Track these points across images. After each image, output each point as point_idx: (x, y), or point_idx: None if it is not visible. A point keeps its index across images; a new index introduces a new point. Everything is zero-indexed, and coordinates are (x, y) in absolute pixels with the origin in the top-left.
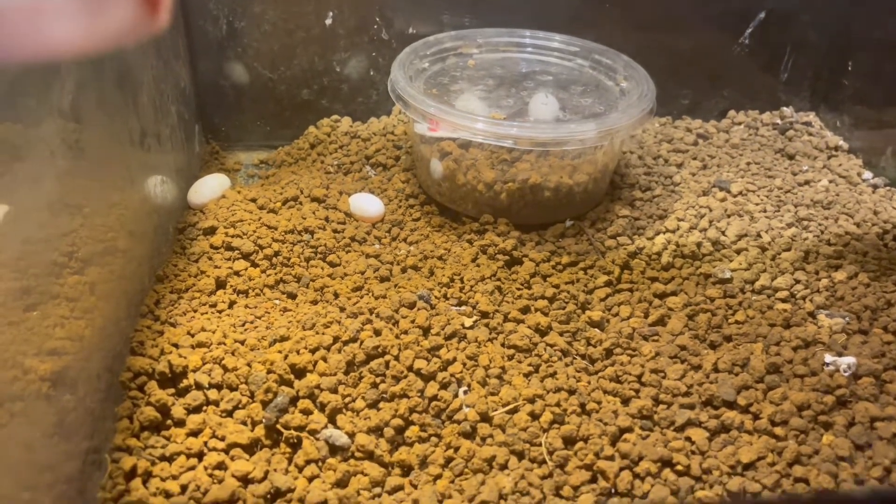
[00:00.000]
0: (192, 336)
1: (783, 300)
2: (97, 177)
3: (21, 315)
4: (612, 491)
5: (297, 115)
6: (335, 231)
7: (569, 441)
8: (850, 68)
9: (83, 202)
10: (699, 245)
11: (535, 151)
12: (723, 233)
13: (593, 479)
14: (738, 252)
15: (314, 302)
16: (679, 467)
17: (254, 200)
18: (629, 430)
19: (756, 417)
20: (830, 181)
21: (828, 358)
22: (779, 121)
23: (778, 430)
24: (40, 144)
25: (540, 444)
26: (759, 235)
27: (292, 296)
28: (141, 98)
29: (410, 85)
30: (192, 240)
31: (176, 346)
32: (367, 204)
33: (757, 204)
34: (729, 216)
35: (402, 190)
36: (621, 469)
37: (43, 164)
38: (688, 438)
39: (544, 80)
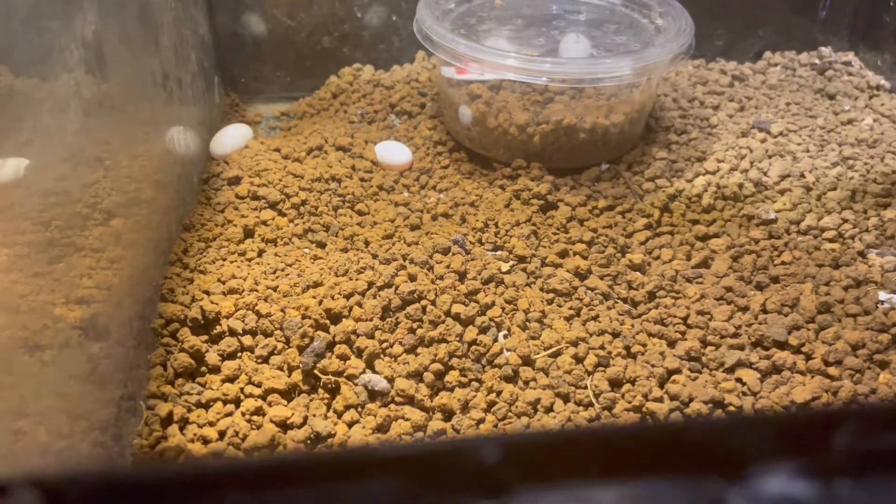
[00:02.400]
0: (223, 283)
1: (831, 240)
2: (120, 119)
3: (46, 267)
4: None
5: (317, 64)
6: (362, 180)
7: (615, 383)
8: (892, 3)
9: (105, 153)
10: (741, 186)
11: (568, 92)
12: (765, 173)
13: (643, 421)
14: (782, 192)
15: (344, 250)
16: (731, 408)
17: (278, 150)
18: (677, 371)
19: (809, 357)
20: (874, 120)
21: (882, 296)
22: (817, 61)
23: (832, 370)
24: (64, 76)
25: (585, 387)
26: (802, 175)
27: (322, 245)
28: (162, 39)
29: (438, 24)
30: (217, 190)
31: (207, 293)
32: (394, 152)
33: (799, 144)
34: (770, 157)
35: (429, 137)
36: (671, 410)
37: (67, 111)
38: (738, 379)
39: (575, 19)
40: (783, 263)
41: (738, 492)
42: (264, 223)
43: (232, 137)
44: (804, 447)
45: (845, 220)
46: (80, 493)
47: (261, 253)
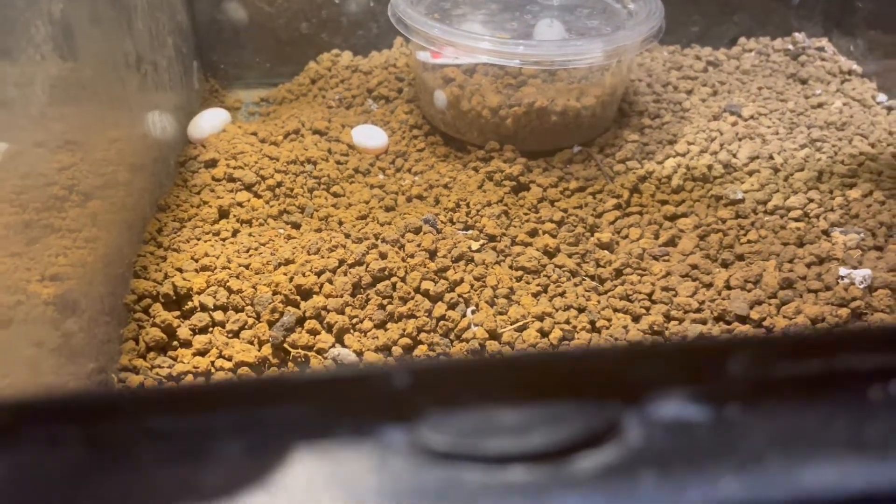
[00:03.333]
0: (196, 261)
1: (796, 219)
2: (94, 103)
3: (23, 247)
4: None
5: (296, 50)
6: (338, 163)
7: None
8: None
9: (81, 137)
10: (710, 168)
11: (540, 76)
12: (734, 155)
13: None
14: (750, 174)
15: (318, 230)
16: None
17: (255, 134)
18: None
19: (769, 331)
20: (844, 104)
21: (842, 271)
22: (791, 47)
23: None
24: (30, 52)
25: None
26: (771, 157)
27: (296, 226)
28: (135, 22)
29: (412, 8)
30: (194, 172)
31: (180, 270)
32: (370, 135)
33: (769, 127)
34: (740, 139)
35: (405, 121)
36: None
37: (38, 93)
38: None
39: (548, 3)
40: (749, 242)
41: (634, 414)
42: (239, 204)
43: (209, 121)
44: (698, 374)
45: (811, 200)
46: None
47: (235, 233)
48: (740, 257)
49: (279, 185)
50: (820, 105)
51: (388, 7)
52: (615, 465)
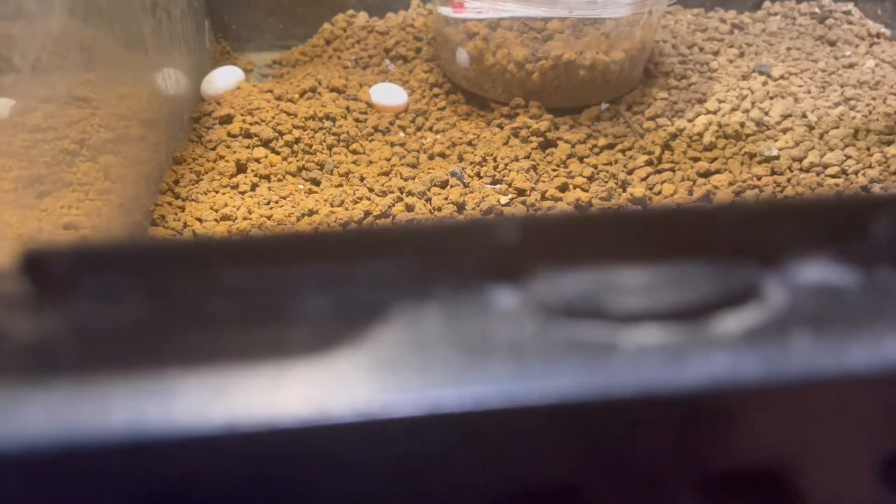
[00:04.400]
0: (216, 211)
1: (834, 176)
2: (109, 39)
3: (33, 201)
4: None
5: (310, 11)
6: (357, 120)
7: None
8: None
9: (91, 92)
10: (742, 125)
11: (567, 29)
12: (766, 113)
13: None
14: (784, 131)
15: (339, 185)
16: None
17: (270, 91)
18: None
19: None
20: (876, 65)
21: None
22: (817, 10)
23: None
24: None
25: None
26: (804, 115)
27: (316, 182)
28: None
29: None
30: (209, 128)
31: (199, 219)
32: (389, 94)
33: (800, 86)
34: (772, 98)
35: (424, 80)
36: None
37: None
38: None
39: None
40: (786, 198)
41: (775, 277)
42: (257, 160)
43: (224, 78)
44: (842, 234)
45: (848, 157)
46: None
47: (254, 187)
48: None
49: (297, 140)
50: (851, 65)
51: None
52: (762, 326)
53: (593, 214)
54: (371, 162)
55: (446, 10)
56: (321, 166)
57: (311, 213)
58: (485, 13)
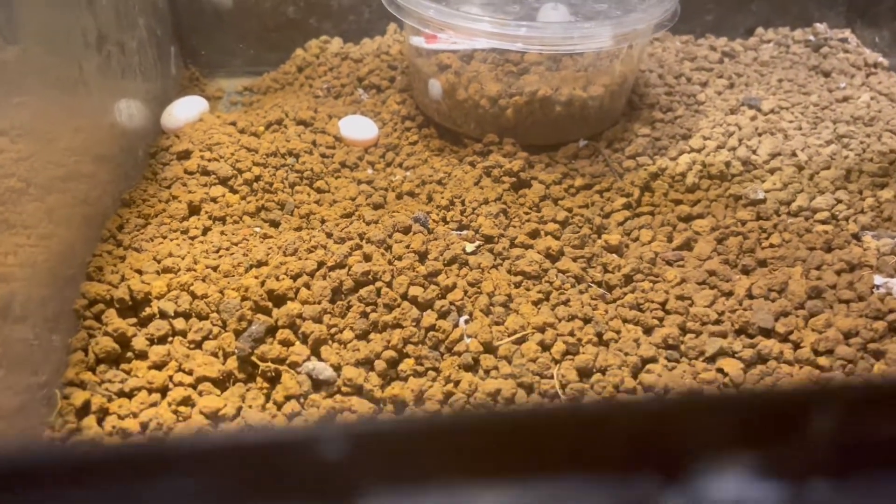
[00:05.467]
0: (158, 262)
1: (823, 222)
2: (50, 86)
3: None
4: None
5: (283, 36)
6: (323, 156)
7: (584, 373)
8: None
9: (38, 125)
10: (728, 164)
11: (544, 62)
12: (754, 151)
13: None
14: (772, 171)
15: (298, 229)
16: None
17: (234, 124)
18: (653, 360)
19: (797, 346)
20: (871, 98)
21: (878, 280)
22: (812, 37)
23: (822, 360)
24: None
25: (551, 377)
26: (794, 154)
27: (275, 224)
28: None
29: None
30: (165, 164)
31: (139, 272)
32: (358, 127)
33: (791, 121)
34: (760, 134)
35: (397, 112)
36: None
37: None
38: (720, 370)
39: None
40: (771, 246)
41: (677, 493)
42: (213, 200)
43: (185, 110)
44: (766, 437)
45: (839, 201)
46: None
47: (206, 231)
48: (762, 263)
49: (257, 179)
50: (845, 99)
51: None
52: None
53: (443, 420)
54: (335, 201)
55: (419, 41)
56: (282, 206)
57: (261, 264)
58: (458, 44)
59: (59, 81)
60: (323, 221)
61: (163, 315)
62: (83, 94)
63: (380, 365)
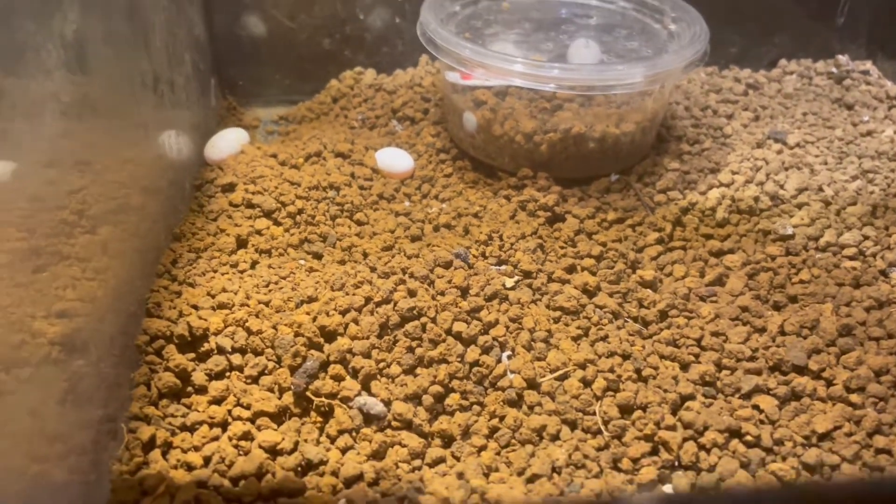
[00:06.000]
0: (213, 297)
1: (851, 258)
2: (107, 123)
3: (29, 276)
4: (676, 463)
5: (318, 67)
6: (362, 188)
7: (625, 409)
8: None
9: (92, 157)
10: (756, 199)
11: (577, 99)
12: (781, 186)
13: (654, 451)
14: (799, 207)
15: (341, 262)
16: (748, 438)
17: (274, 156)
18: (691, 397)
19: (829, 384)
20: (895, 132)
21: None
22: (834, 69)
23: (854, 398)
24: (41, 77)
25: (594, 413)
26: (821, 189)
27: (318, 256)
28: (153, 40)
29: (443, 27)
30: (210, 197)
31: (195, 307)
32: (395, 159)
33: (816, 156)
34: (787, 169)
35: (431, 144)
36: (685, 440)
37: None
38: (755, 406)
39: (585, 23)
40: (801, 282)
41: None
42: (258, 233)
43: (227, 142)
44: None
45: (866, 237)
46: None
47: (254, 264)
48: (793, 299)
49: (300, 211)
50: (869, 133)
51: (416, 25)
52: None
53: None
54: (374, 234)
55: (454, 77)
56: (324, 238)
57: (311, 299)
58: (492, 81)
59: (119, 121)
60: (365, 255)
61: (220, 351)
62: (140, 132)
63: (427, 399)
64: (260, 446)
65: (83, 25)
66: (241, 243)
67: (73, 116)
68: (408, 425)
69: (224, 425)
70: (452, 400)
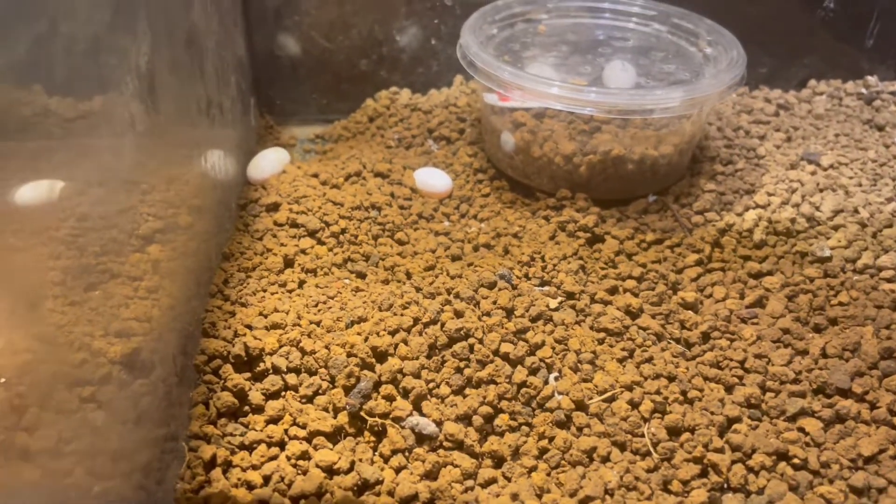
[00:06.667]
0: (265, 317)
1: (889, 280)
2: (165, 148)
3: (82, 295)
4: (725, 486)
5: (354, 87)
6: (402, 207)
7: (674, 432)
8: None
9: (147, 177)
10: (793, 221)
11: (616, 121)
12: (817, 208)
13: (703, 473)
14: (836, 229)
15: (385, 282)
16: (796, 460)
17: (316, 175)
18: (737, 419)
19: (873, 406)
20: None
21: None
22: (863, 90)
23: None
24: (119, 111)
25: (642, 435)
26: (856, 211)
27: (362, 275)
28: (206, 65)
29: (483, 50)
30: (255, 216)
31: (249, 327)
32: (433, 179)
33: (851, 177)
34: (822, 190)
35: (469, 164)
36: (733, 462)
37: (119, 136)
38: (801, 429)
39: (621, 45)
40: (840, 304)
41: None
42: (303, 252)
43: (270, 161)
44: None
45: None
46: None
47: (301, 284)
48: (833, 321)
49: (343, 231)
50: None
51: (455, 48)
52: None
53: None
54: (416, 253)
55: (492, 98)
56: (367, 258)
57: (361, 319)
58: (529, 103)
59: (178, 146)
60: (409, 275)
61: (276, 370)
62: (193, 155)
63: (477, 420)
64: (318, 465)
65: (153, 57)
66: (288, 263)
67: (144, 144)
68: (459, 445)
69: (282, 444)
70: (501, 420)
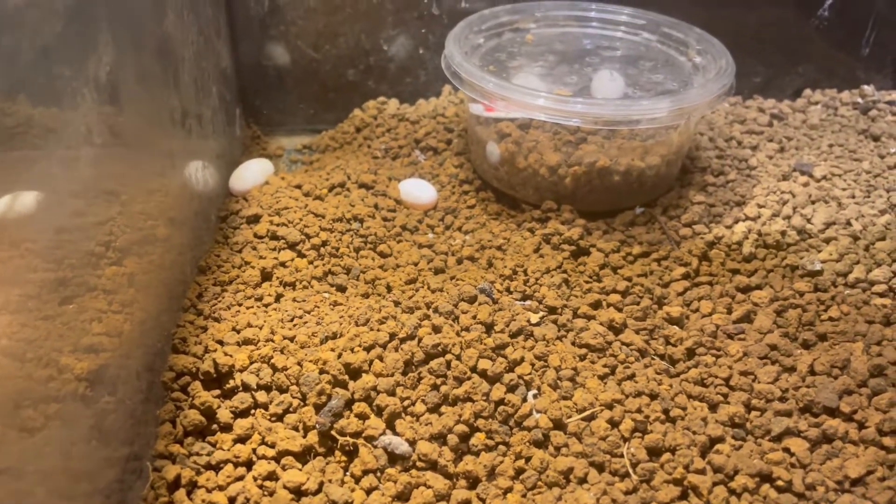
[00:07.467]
0: (238, 332)
1: (881, 294)
2: (136, 159)
3: (56, 308)
4: None
5: (341, 96)
6: (385, 219)
7: (654, 452)
8: None
9: (120, 188)
10: (783, 234)
11: (601, 132)
12: (808, 220)
13: (684, 495)
14: (827, 241)
15: (365, 295)
16: (780, 482)
17: (299, 187)
18: (720, 439)
19: (861, 426)
20: None
21: None
22: (859, 100)
23: (887, 441)
24: (76, 122)
25: (622, 455)
26: (848, 223)
27: (342, 288)
28: (182, 75)
29: (467, 60)
30: (235, 228)
31: (221, 342)
32: (418, 190)
33: (844, 189)
34: (814, 202)
35: (455, 175)
36: (715, 484)
37: (78, 146)
38: (786, 449)
39: (609, 55)
40: (831, 319)
41: None
42: (283, 265)
43: (252, 173)
44: None
45: None
46: None
47: (278, 297)
48: (822, 337)
49: (324, 244)
50: None
51: (440, 57)
52: None
53: None
54: (398, 266)
55: (477, 109)
56: (347, 271)
57: (336, 335)
58: (515, 113)
59: (150, 156)
60: (389, 288)
61: (245, 388)
62: (168, 166)
63: (452, 439)
64: (285, 487)
65: (116, 67)
66: (266, 276)
67: (104, 153)
68: (433, 466)
69: (249, 464)
70: (478, 440)
